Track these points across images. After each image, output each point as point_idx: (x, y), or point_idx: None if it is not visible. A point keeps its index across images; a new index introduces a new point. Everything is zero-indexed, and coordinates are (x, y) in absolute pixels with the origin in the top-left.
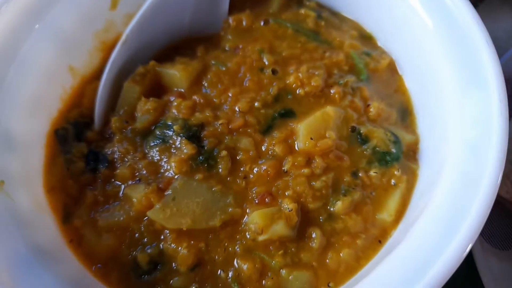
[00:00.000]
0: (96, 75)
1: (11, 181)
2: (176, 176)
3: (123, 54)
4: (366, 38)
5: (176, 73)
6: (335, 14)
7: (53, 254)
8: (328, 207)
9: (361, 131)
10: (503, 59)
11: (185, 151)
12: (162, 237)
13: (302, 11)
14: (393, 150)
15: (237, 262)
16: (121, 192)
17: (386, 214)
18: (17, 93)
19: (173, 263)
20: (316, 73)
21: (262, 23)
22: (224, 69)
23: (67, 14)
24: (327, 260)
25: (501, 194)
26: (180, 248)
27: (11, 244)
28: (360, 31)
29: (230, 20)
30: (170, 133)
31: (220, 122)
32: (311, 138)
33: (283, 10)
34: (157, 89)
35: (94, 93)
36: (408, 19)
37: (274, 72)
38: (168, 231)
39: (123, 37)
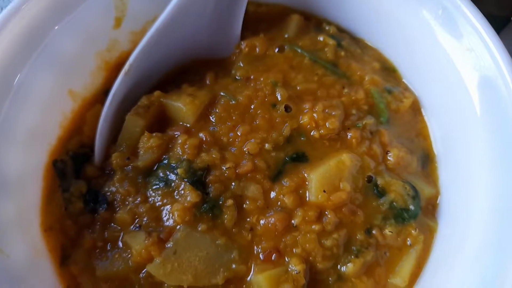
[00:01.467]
0: (98, 97)
1: (5, 231)
2: (178, 227)
3: (126, 84)
4: (389, 71)
5: (182, 107)
6: (356, 41)
7: None
8: (339, 268)
9: (378, 183)
10: None
11: (188, 198)
12: None
13: (321, 38)
14: (411, 207)
15: None
16: (120, 238)
17: (399, 280)
18: (13, 127)
19: None
20: (333, 113)
21: (276, 50)
22: (234, 102)
23: (68, 37)
24: None
25: None
26: None
27: None
28: (384, 63)
29: (243, 45)
30: (173, 177)
31: (227, 166)
32: (324, 191)
33: (300, 34)
34: (162, 120)
35: (95, 119)
36: (439, 61)
37: (287, 109)
38: (168, 286)
39: (126, 67)
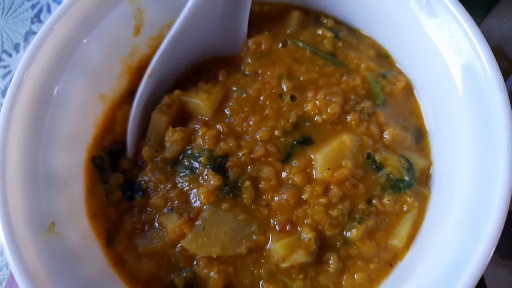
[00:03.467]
0: (124, 98)
1: (59, 219)
2: (204, 207)
3: (149, 86)
4: (383, 57)
5: (200, 103)
6: (352, 31)
7: (101, 284)
8: (344, 234)
9: (376, 158)
10: None
11: (212, 182)
12: (195, 262)
13: (320, 31)
14: (406, 178)
15: (262, 285)
16: (156, 220)
17: (397, 241)
18: (55, 132)
19: (207, 286)
20: (334, 99)
21: (280, 45)
22: (245, 96)
23: (94, 48)
24: (343, 282)
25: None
26: (211, 273)
27: (67, 285)
28: (378, 50)
29: (250, 43)
30: (197, 164)
31: (243, 152)
32: (328, 168)
33: (300, 29)
34: (183, 115)
35: (124, 119)
36: (425, 47)
37: (292, 98)
38: (200, 257)
39: (149, 71)
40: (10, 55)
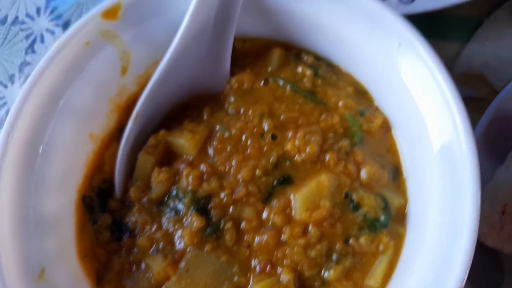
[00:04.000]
0: (114, 136)
1: (49, 264)
2: (188, 249)
3: (135, 128)
4: (362, 94)
5: (185, 143)
6: (332, 67)
7: None
8: (322, 274)
9: (353, 198)
10: (505, 91)
11: (195, 224)
12: None
13: (300, 69)
14: (382, 218)
15: None
16: (142, 261)
17: (373, 281)
18: (46, 176)
19: None
20: (312, 139)
21: (262, 83)
22: (227, 135)
23: (82, 91)
24: None
25: (487, 243)
26: None
27: None
28: (356, 87)
29: (233, 81)
30: (181, 206)
31: (225, 192)
32: (307, 209)
33: (281, 67)
34: (169, 154)
35: (113, 158)
36: (399, 88)
37: (273, 137)
38: None
39: (134, 115)
40: (5, 86)
